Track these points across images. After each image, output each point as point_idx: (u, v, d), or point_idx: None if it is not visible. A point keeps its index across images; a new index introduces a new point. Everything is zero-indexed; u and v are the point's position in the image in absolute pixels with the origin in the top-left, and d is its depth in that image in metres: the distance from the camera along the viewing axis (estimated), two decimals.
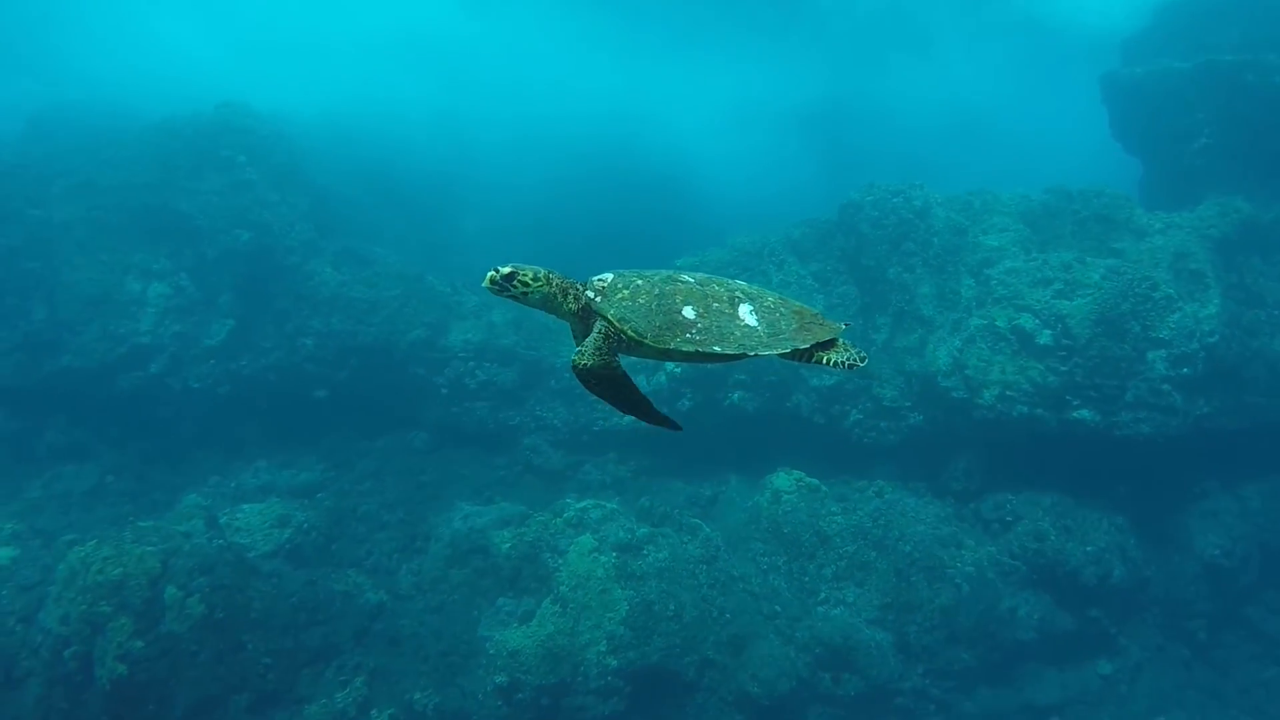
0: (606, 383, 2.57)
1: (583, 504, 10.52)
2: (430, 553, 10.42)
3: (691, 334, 2.57)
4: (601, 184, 23.57)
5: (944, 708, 9.36)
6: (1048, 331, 10.30)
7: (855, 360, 2.79)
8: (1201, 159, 13.79)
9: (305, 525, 10.14)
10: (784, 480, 10.77)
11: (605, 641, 8.65)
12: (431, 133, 22.99)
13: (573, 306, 2.73)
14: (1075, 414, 10.08)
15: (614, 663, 8.56)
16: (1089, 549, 9.85)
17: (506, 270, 2.60)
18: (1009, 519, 10.47)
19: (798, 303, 2.86)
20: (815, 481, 10.82)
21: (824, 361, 2.76)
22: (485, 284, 2.59)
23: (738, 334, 2.61)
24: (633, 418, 2.65)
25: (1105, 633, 9.82)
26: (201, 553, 8.19)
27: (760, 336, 2.64)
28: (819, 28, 26.21)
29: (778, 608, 9.60)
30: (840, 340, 2.81)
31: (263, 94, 17.30)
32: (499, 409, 12.76)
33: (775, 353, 2.65)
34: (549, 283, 2.67)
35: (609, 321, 2.60)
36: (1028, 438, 10.47)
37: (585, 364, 2.57)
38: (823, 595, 9.70)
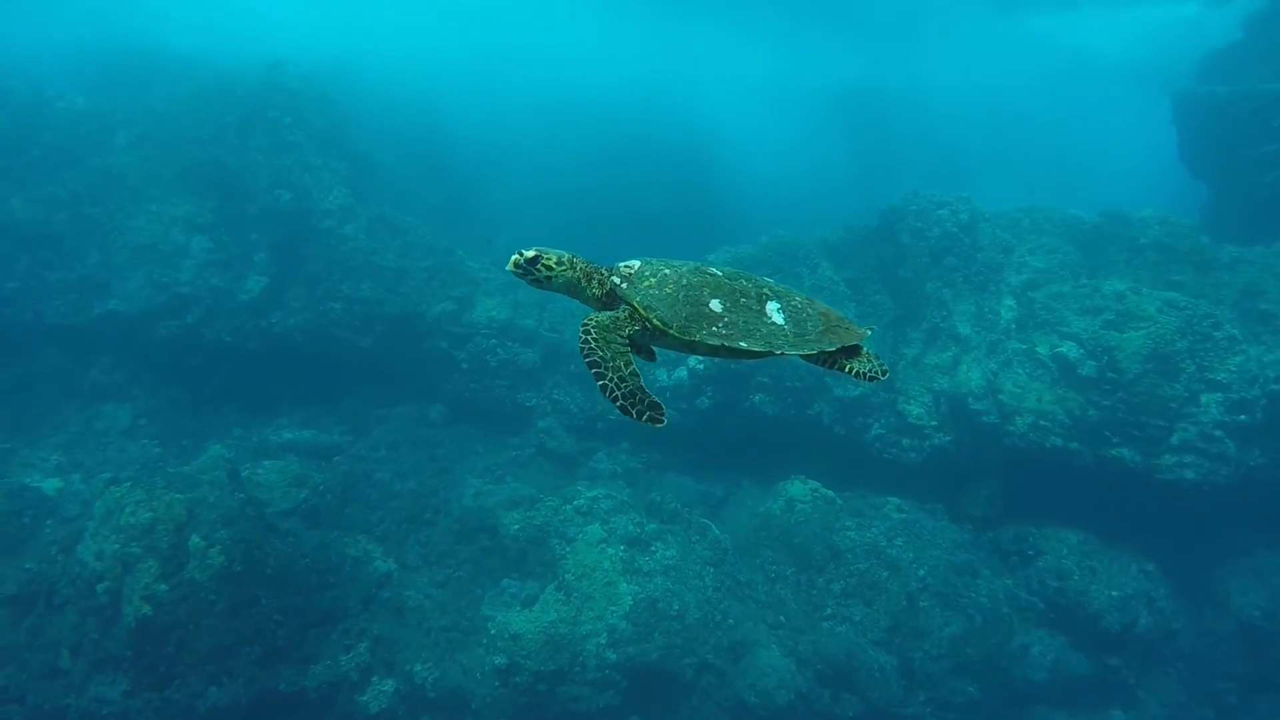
0: (604, 347, 2.52)
1: (594, 493, 10.47)
2: (439, 526, 10.50)
3: (717, 328, 2.53)
4: (634, 162, 23.49)
5: None
6: (1092, 363, 9.83)
7: (877, 372, 2.75)
8: (1279, 189, 12.99)
9: (321, 487, 10.31)
10: (799, 489, 10.55)
11: (606, 634, 8.61)
12: (470, 104, 23.07)
13: (597, 292, 2.70)
14: (1113, 451, 9.62)
15: (613, 656, 8.52)
16: (1114, 593, 9.44)
17: (531, 254, 2.59)
18: (1030, 553, 10.10)
19: (824, 304, 2.80)
20: (831, 494, 10.58)
21: (846, 370, 2.71)
22: (509, 267, 2.60)
23: (764, 331, 2.57)
24: (622, 410, 2.49)
25: (1124, 683, 9.43)
26: (225, 505, 8.40)
27: (786, 335, 2.59)
28: (857, 15, 25.55)
29: (782, 618, 9.44)
30: (865, 349, 2.77)
31: (309, 54, 17.50)
32: (517, 389, 12.78)
33: (800, 353, 2.60)
34: (573, 267, 2.66)
35: (634, 308, 2.57)
36: (1059, 471, 10.05)
37: (599, 320, 2.56)
38: (829, 611, 9.51)
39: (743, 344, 2.51)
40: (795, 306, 2.67)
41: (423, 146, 19.09)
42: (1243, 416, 9.35)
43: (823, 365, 2.72)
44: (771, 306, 2.63)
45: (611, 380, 2.47)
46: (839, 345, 2.64)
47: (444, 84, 22.69)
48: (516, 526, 10.03)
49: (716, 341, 2.50)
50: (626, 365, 2.50)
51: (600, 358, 2.49)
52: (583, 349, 2.52)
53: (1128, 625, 9.41)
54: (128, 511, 8.01)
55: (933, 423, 10.95)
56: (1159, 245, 11.12)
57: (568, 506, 10.15)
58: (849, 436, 11.26)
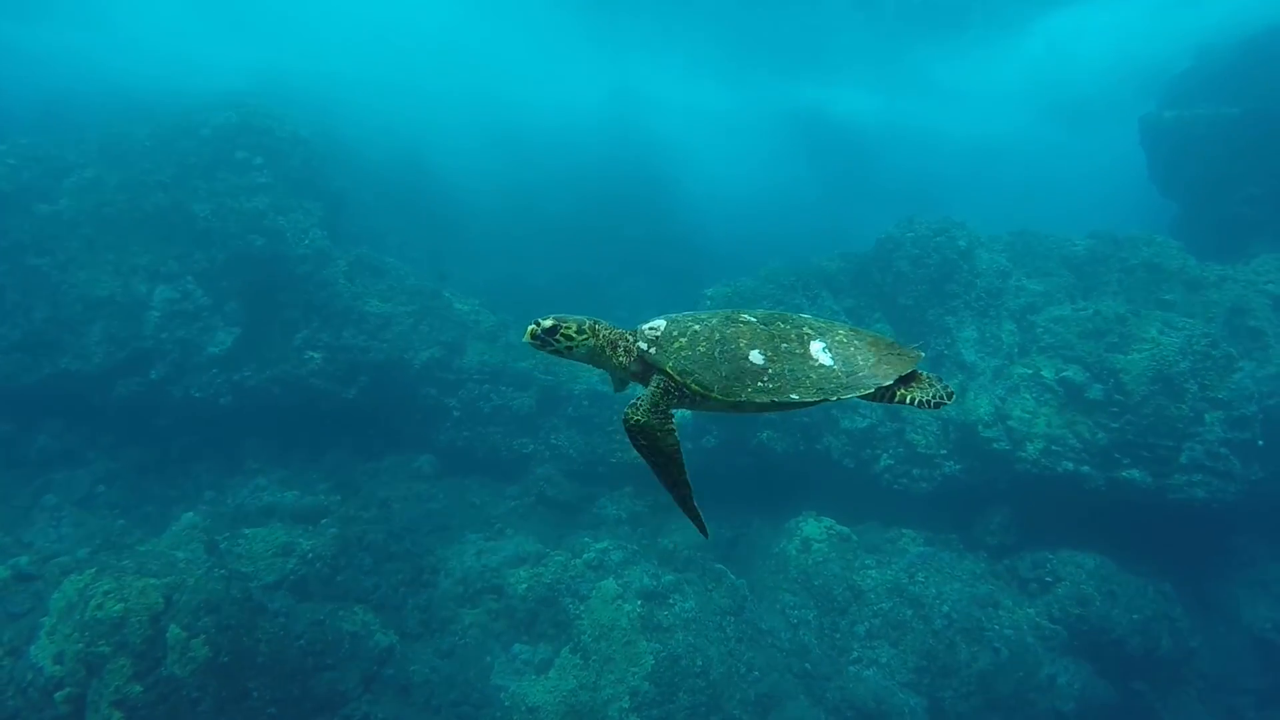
0: (657, 453, 2.26)
1: (602, 544, 10.00)
2: (440, 589, 9.85)
3: (763, 382, 2.28)
4: (608, 188, 23.43)
5: None
6: (1099, 385, 9.86)
7: (942, 396, 2.50)
8: (1248, 207, 13.49)
9: (310, 555, 9.54)
10: (813, 528, 10.28)
11: (628, 698, 8.12)
12: (441, 138, 22.69)
13: (624, 360, 2.44)
14: (1125, 474, 9.63)
15: None
16: (1135, 617, 9.38)
17: (548, 323, 2.35)
18: (1048, 579, 9.99)
19: (871, 332, 2.57)
20: (846, 530, 10.33)
21: (908, 401, 2.47)
22: (526, 338, 2.37)
23: (814, 377, 2.32)
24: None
25: (1149, 707, 9.34)
26: (207, 588, 7.61)
27: (838, 377, 2.34)
28: (815, 46, 26.24)
29: (807, 665, 9.09)
30: (923, 374, 2.53)
31: (271, 91, 16.83)
32: (512, 435, 12.23)
33: (857, 394, 2.35)
34: (595, 334, 2.41)
35: (669, 375, 2.30)
36: (1071, 495, 10.01)
37: (639, 420, 2.26)
38: (855, 654, 9.19)
39: (794, 396, 2.27)
40: (841, 341, 2.44)
41: (396, 180, 18.52)
42: (1244, 433, 9.47)
43: (881, 401, 2.48)
44: (816, 347, 2.39)
45: (671, 490, 2.28)
46: (895, 377, 2.41)
47: (412, 116, 22.21)
48: (524, 585, 9.47)
49: (765, 399, 2.26)
50: (680, 470, 2.28)
51: (656, 468, 2.28)
52: (641, 455, 2.31)
53: (1150, 648, 9.35)
54: (93, 605, 7.16)
55: (942, 451, 10.83)
56: (1149, 265, 11.33)
57: (577, 561, 9.66)
58: (858, 469, 11.06)
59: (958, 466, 10.78)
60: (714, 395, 2.25)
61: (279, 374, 11.85)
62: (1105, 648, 9.45)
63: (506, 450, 11.99)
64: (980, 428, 10.38)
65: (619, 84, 31.50)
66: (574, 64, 30.02)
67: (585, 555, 9.72)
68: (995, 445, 10.26)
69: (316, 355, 11.76)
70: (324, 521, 10.55)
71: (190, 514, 10.64)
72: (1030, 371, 10.28)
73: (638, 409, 2.28)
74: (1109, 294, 11.09)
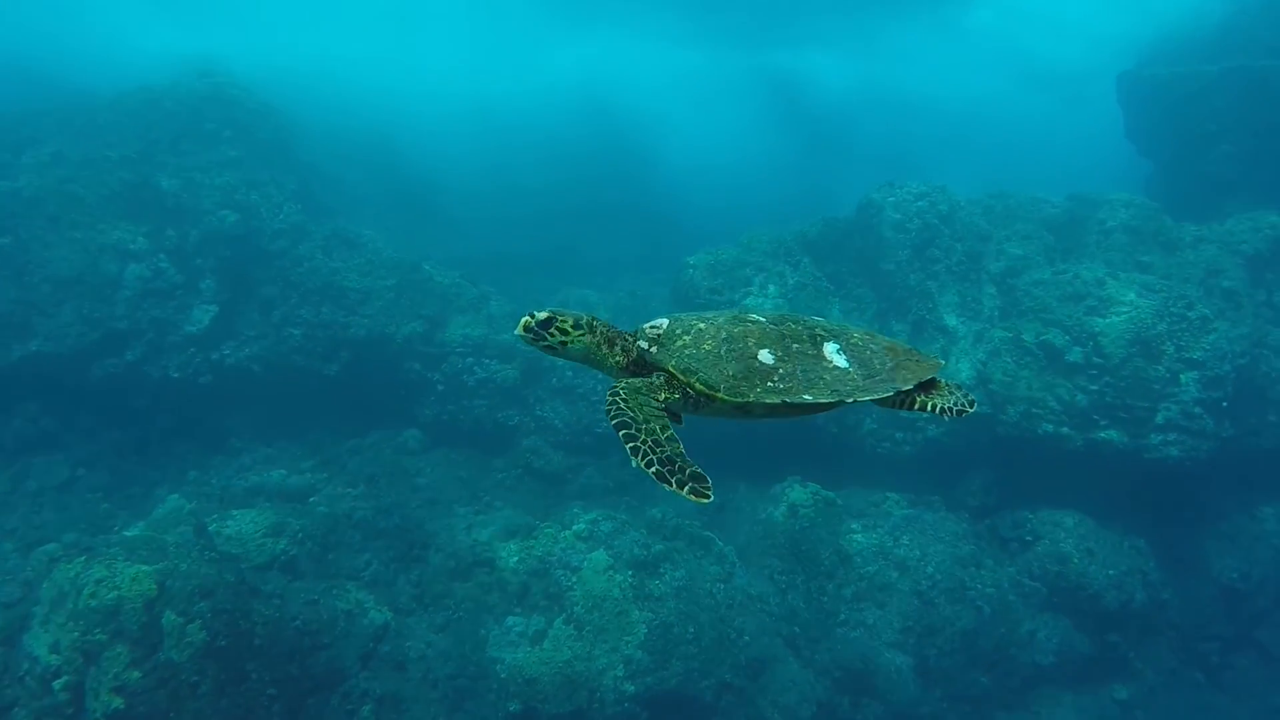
0: (637, 407, 2.15)
1: (591, 515, 10.08)
2: (431, 564, 9.90)
3: (773, 382, 2.19)
4: (582, 159, 23.09)
5: None
6: (1078, 349, 10.00)
7: (964, 404, 2.49)
8: (1225, 165, 13.58)
9: (300, 534, 9.52)
10: (799, 494, 10.41)
11: (622, 666, 8.28)
12: (414, 116, 22.13)
13: (620, 360, 2.37)
14: (1102, 434, 9.84)
15: (631, 688, 8.20)
16: (1111, 573, 9.70)
17: (543, 315, 2.26)
18: (1028, 538, 10.27)
19: (886, 338, 2.52)
20: (831, 495, 10.48)
21: (928, 408, 2.44)
22: (519, 330, 2.29)
23: (828, 378, 2.24)
24: (658, 476, 2.06)
25: (1123, 658, 9.72)
26: (200, 573, 7.60)
27: (854, 379, 2.28)
28: (787, 10, 25.73)
29: (796, 629, 9.31)
30: (942, 381, 2.51)
31: (238, 59, 16.21)
32: (498, 408, 12.19)
33: (875, 397, 2.30)
34: (592, 331, 2.32)
35: (671, 374, 2.24)
36: (1051, 456, 10.23)
37: (628, 381, 2.22)
38: (842, 617, 9.43)
39: (807, 397, 2.18)
40: (855, 344, 2.39)
41: (364, 158, 18.07)
42: (1218, 393, 9.70)
43: (899, 407, 2.45)
44: (830, 348, 2.33)
45: (645, 443, 2.06)
46: (915, 382, 2.37)
47: (379, 91, 21.60)
48: (515, 559, 9.55)
49: (775, 399, 2.16)
50: (663, 429, 2.12)
51: (630, 418, 2.11)
52: (609, 411, 2.15)
53: (1125, 602, 9.69)
54: (86, 593, 7.12)
55: (924, 415, 10.97)
56: (1126, 228, 11.41)
57: (567, 532, 9.73)
58: (842, 434, 11.19)
59: (940, 430, 10.95)
60: (720, 395, 2.16)
61: (258, 352, 11.66)
62: (1083, 603, 9.78)
63: (492, 423, 11.97)
64: None
65: (593, 55, 30.82)
66: (546, 36, 29.22)
67: (575, 526, 9.79)
68: (977, 408, 10.40)
69: (296, 332, 11.57)
70: (312, 500, 10.52)
71: (176, 496, 10.55)
72: (1011, 335, 10.39)
73: (629, 379, 2.24)
74: (1088, 256, 11.18)
